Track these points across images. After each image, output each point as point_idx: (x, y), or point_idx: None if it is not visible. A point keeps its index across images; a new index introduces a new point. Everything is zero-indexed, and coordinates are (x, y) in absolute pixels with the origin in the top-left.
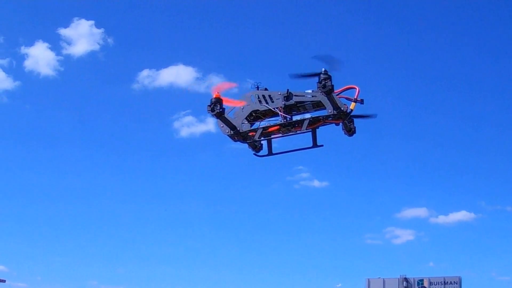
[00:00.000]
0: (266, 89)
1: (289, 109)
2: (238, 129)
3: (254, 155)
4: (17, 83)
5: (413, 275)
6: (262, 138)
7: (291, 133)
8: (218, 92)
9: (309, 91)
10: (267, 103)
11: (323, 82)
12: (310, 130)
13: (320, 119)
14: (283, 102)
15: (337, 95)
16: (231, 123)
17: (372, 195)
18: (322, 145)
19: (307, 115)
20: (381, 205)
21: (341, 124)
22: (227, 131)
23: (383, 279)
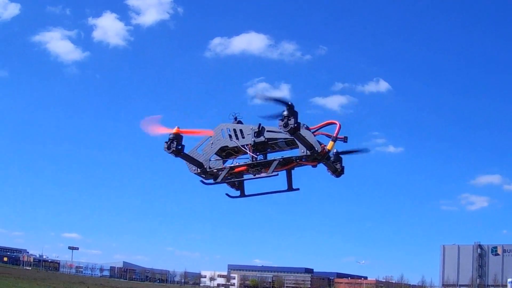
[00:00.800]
0: (240, 122)
1: (261, 146)
2: (205, 167)
3: (226, 195)
4: (86, 53)
5: (487, 242)
6: (232, 178)
7: (262, 175)
8: (178, 128)
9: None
10: (237, 138)
11: (285, 120)
12: (277, 173)
13: (292, 160)
14: (253, 139)
15: (314, 131)
16: (196, 160)
17: (447, 162)
18: (298, 189)
19: (278, 156)
20: (456, 172)
21: (324, 164)
22: (193, 169)
23: (458, 245)
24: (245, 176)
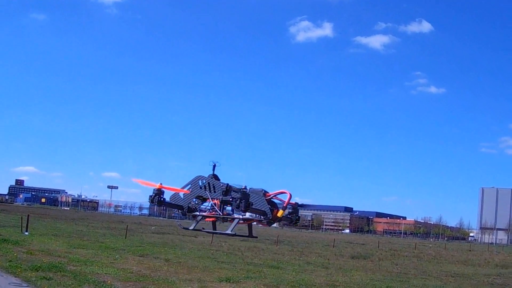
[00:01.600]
0: (215, 176)
1: (227, 203)
2: (184, 210)
3: (179, 226)
4: None
5: None
6: (202, 229)
7: (225, 232)
8: (161, 184)
9: (248, 187)
10: (210, 191)
11: (237, 202)
12: (235, 233)
13: (251, 220)
14: (220, 196)
15: (270, 197)
16: (176, 204)
17: (488, 104)
18: (256, 237)
19: (238, 216)
20: (497, 115)
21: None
22: (175, 211)
23: (497, 188)
24: (211, 227)
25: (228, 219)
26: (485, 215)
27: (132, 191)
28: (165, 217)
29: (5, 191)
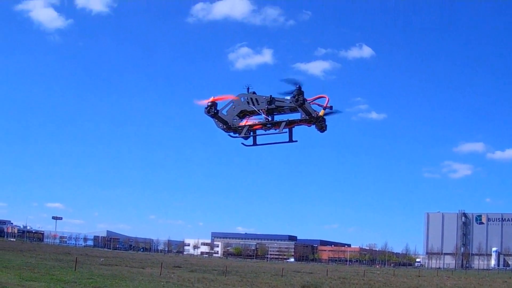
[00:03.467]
0: (254, 93)
1: (271, 111)
2: (229, 124)
3: (242, 144)
4: (70, 21)
5: (471, 211)
6: (249, 133)
7: (271, 131)
8: (213, 97)
9: (288, 97)
10: (253, 105)
11: (296, 97)
12: (287, 130)
13: (295, 121)
14: (266, 106)
15: (310, 102)
16: (223, 119)
17: (429, 128)
18: (296, 141)
19: (285, 117)
20: (438, 139)
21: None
22: (220, 125)
23: (442, 213)
24: (259, 132)
25: (274, 124)
26: (431, 240)
27: (77, 222)
28: (109, 249)
29: None
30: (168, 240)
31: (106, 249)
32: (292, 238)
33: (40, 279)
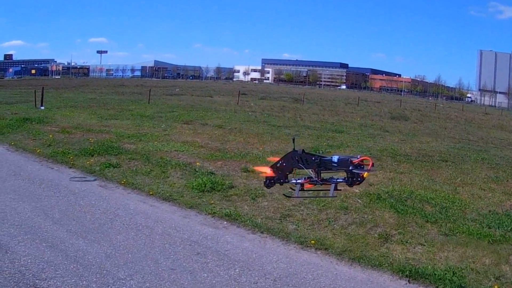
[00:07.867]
0: (303, 151)
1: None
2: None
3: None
4: None
5: None
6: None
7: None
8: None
9: (336, 158)
10: (303, 164)
11: (349, 179)
12: (336, 196)
13: (342, 182)
14: (315, 167)
15: (355, 163)
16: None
17: None
18: (340, 190)
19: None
20: None
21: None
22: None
23: (495, 52)
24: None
25: (324, 184)
26: (484, 77)
27: (121, 54)
28: (158, 78)
29: None
30: (217, 67)
31: (155, 78)
32: (343, 65)
33: (121, 116)
